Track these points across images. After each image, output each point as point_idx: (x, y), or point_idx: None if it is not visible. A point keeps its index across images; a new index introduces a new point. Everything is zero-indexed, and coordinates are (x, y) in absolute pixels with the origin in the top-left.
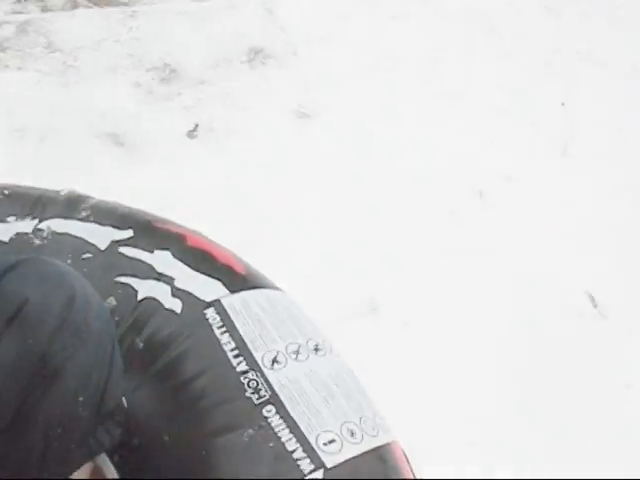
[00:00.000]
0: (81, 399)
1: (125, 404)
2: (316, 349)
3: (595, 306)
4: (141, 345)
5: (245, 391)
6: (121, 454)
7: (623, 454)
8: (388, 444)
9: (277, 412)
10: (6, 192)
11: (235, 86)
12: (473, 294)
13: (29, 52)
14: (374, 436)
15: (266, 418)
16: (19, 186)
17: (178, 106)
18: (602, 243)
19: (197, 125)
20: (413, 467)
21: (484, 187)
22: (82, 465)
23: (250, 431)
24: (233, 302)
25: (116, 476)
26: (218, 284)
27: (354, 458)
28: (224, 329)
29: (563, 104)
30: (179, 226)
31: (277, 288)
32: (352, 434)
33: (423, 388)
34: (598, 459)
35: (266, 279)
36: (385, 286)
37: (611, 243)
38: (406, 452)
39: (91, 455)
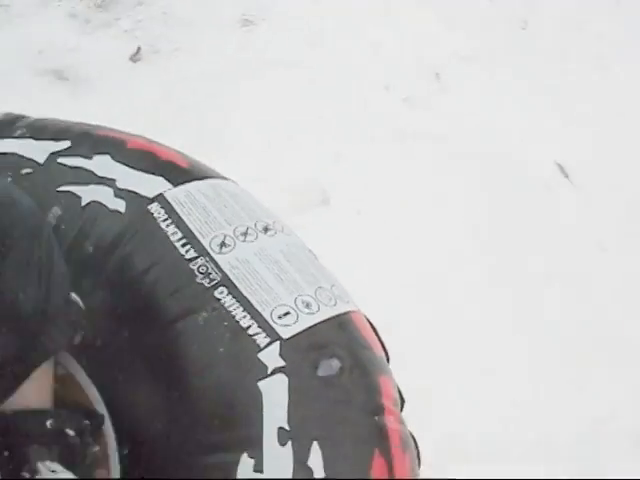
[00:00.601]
0: (21, 296)
1: (82, 306)
2: (265, 229)
3: (565, 176)
4: (91, 249)
5: (196, 277)
6: (87, 356)
7: (596, 323)
8: (347, 312)
9: (229, 293)
10: None
11: (175, 3)
12: (434, 177)
13: None
14: (332, 306)
15: (219, 300)
16: None
17: (118, 31)
18: (569, 114)
19: (139, 48)
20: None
21: (440, 69)
22: (39, 364)
23: (204, 314)
24: (177, 194)
25: (86, 379)
26: (160, 179)
27: (310, 327)
28: (169, 221)
29: None
30: (120, 132)
31: (224, 178)
32: (307, 305)
33: (378, 275)
34: (567, 331)
35: (213, 171)
36: (336, 176)
37: (578, 114)
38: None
39: (46, 354)
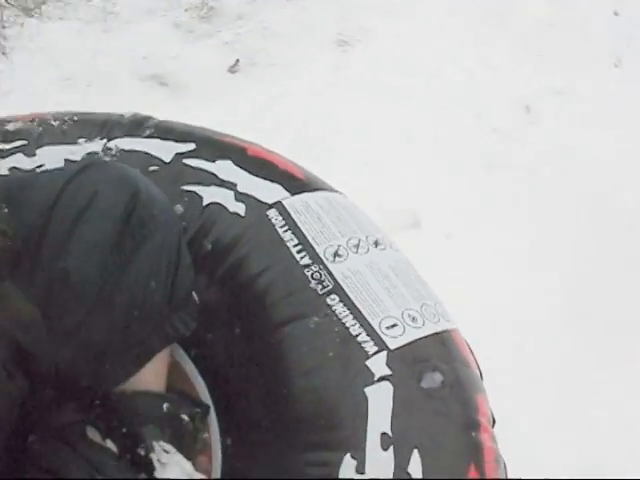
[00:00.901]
0: (153, 284)
1: (197, 300)
2: (376, 243)
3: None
4: (209, 247)
5: (309, 282)
6: (196, 349)
7: None
8: (449, 330)
9: (341, 301)
10: (75, 118)
11: (273, 18)
12: (519, 208)
13: (69, 2)
14: (435, 322)
15: (330, 306)
16: (85, 113)
17: (218, 43)
18: None
19: (238, 60)
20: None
21: (531, 102)
22: (160, 350)
23: (315, 319)
24: (294, 203)
25: (194, 369)
26: (279, 187)
27: (416, 341)
28: (286, 227)
29: (616, 13)
30: (239, 139)
31: (336, 191)
32: (413, 319)
33: (467, 299)
34: None
35: (325, 183)
36: (428, 200)
37: None
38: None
39: (167, 341)
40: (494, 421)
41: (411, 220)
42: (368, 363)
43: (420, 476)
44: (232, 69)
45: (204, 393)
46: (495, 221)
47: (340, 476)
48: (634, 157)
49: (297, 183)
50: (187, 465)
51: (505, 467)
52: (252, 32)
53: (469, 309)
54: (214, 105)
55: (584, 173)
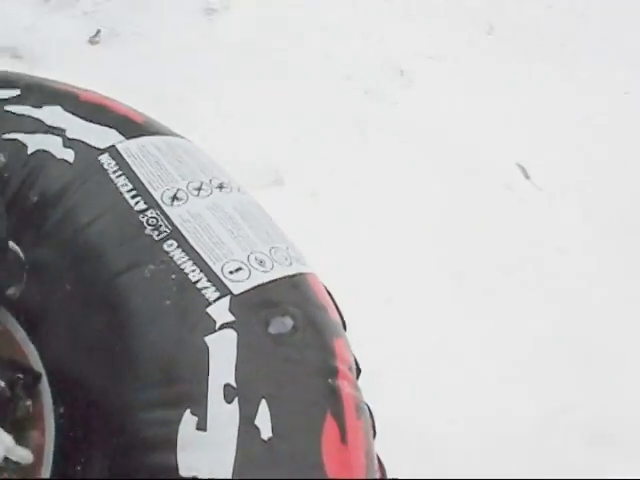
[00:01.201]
0: None
1: (22, 257)
2: (221, 186)
3: (527, 177)
4: (35, 199)
5: (145, 229)
6: (26, 312)
7: (553, 315)
8: (303, 274)
9: (179, 246)
10: None
11: None
12: (391, 168)
13: None
14: (287, 265)
15: (167, 253)
16: None
17: (78, 12)
18: (532, 116)
19: (99, 31)
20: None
21: (405, 66)
22: None
23: (151, 267)
24: (129, 146)
25: (25, 336)
26: (113, 132)
27: (263, 285)
28: (120, 172)
29: None
30: (72, 86)
31: (181, 137)
32: (261, 263)
33: (333, 257)
34: (528, 322)
35: (169, 129)
36: (292, 158)
37: (541, 116)
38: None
39: None
40: (359, 370)
41: (273, 178)
42: (209, 310)
43: (269, 427)
44: (92, 40)
45: (36, 361)
46: (363, 182)
47: (180, 435)
48: (505, 121)
49: (134, 127)
50: (7, 439)
51: (372, 417)
52: (114, 1)
53: (335, 268)
54: (73, 77)
55: (456, 136)
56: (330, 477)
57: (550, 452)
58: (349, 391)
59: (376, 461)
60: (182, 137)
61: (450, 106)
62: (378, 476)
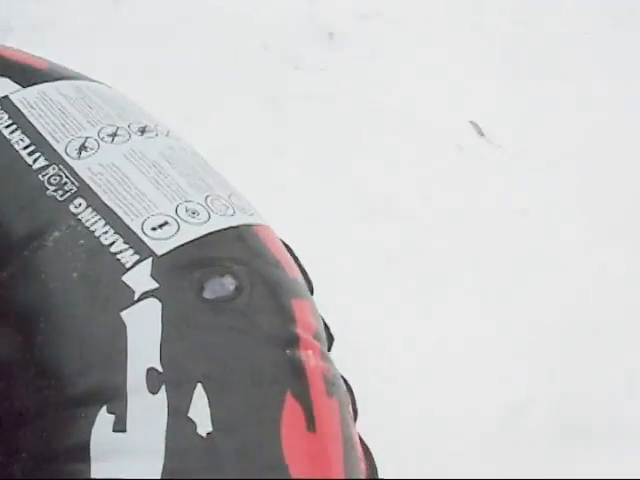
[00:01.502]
0: None
1: None
2: (142, 130)
3: (481, 134)
4: None
5: (46, 190)
6: None
7: (520, 282)
8: (250, 225)
9: (88, 205)
10: None
11: None
12: (319, 141)
13: None
14: (229, 215)
15: (75, 215)
16: None
17: None
18: (482, 72)
19: None
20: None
21: (335, 28)
22: None
23: (56, 234)
24: (26, 95)
25: None
26: (6, 81)
27: (196, 239)
28: (14, 127)
29: None
30: None
31: (100, 82)
32: (194, 214)
33: None
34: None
35: (83, 75)
36: (197, 131)
37: (493, 70)
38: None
39: None
40: (332, 338)
41: None
42: (125, 278)
43: (208, 419)
44: None
45: None
46: (292, 148)
47: (93, 440)
48: (454, 78)
49: (35, 74)
50: None
51: (352, 393)
52: None
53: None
54: None
55: (398, 100)
56: (295, 477)
57: (517, 446)
58: (316, 363)
59: (359, 449)
60: (101, 83)
61: (389, 68)
62: (364, 467)
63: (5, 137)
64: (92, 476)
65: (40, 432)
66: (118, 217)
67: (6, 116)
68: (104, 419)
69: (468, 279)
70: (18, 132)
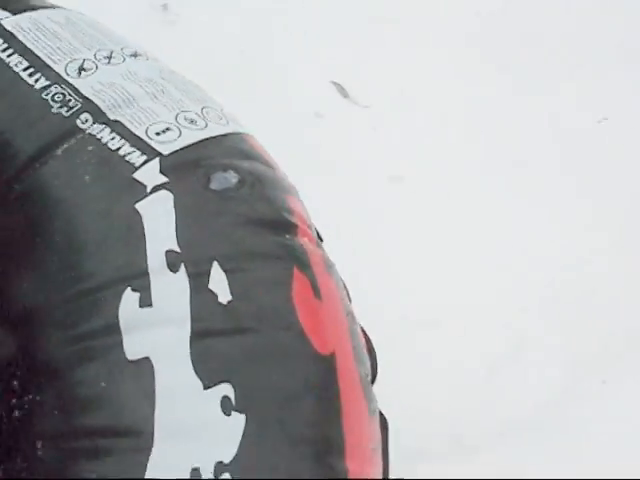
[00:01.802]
0: None
1: None
2: (134, 54)
3: (345, 96)
4: None
5: (51, 107)
6: None
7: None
8: (241, 134)
9: (95, 120)
10: None
11: None
12: None
13: None
14: (223, 124)
15: (82, 129)
16: None
17: None
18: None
19: None
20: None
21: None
22: None
23: (65, 145)
24: (19, 21)
25: None
26: None
27: (199, 142)
28: (11, 51)
29: None
30: None
31: (86, 15)
32: (192, 122)
33: None
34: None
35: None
36: None
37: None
38: None
39: None
40: (320, 240)
41: None
42: (136, 175)
43: (227, 290)
44: None
45: None
46: None
47: (121, 315)
48: (313, 38)
49: (23, 2)
50: None
51: (344, 284)
52: None
53: None
54: None
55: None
56: (309, 336)
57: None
58: (312, 248)
59: (359, 329)
60: (87, 16)
61: (233, 31)
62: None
63: (3, 60)
64: (125, 346)
65: (65, 317)
66: (124, 126)
67: (1, 40)
68: (130, 297)
69: None
70: (15, 55)
